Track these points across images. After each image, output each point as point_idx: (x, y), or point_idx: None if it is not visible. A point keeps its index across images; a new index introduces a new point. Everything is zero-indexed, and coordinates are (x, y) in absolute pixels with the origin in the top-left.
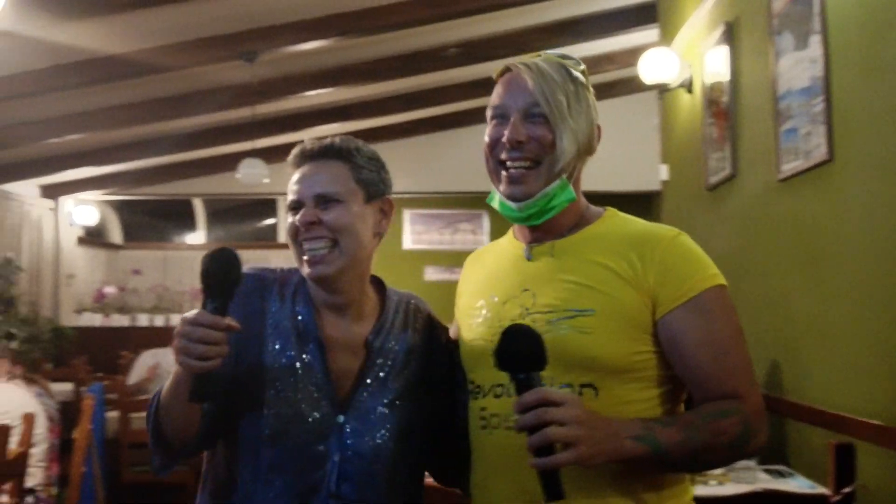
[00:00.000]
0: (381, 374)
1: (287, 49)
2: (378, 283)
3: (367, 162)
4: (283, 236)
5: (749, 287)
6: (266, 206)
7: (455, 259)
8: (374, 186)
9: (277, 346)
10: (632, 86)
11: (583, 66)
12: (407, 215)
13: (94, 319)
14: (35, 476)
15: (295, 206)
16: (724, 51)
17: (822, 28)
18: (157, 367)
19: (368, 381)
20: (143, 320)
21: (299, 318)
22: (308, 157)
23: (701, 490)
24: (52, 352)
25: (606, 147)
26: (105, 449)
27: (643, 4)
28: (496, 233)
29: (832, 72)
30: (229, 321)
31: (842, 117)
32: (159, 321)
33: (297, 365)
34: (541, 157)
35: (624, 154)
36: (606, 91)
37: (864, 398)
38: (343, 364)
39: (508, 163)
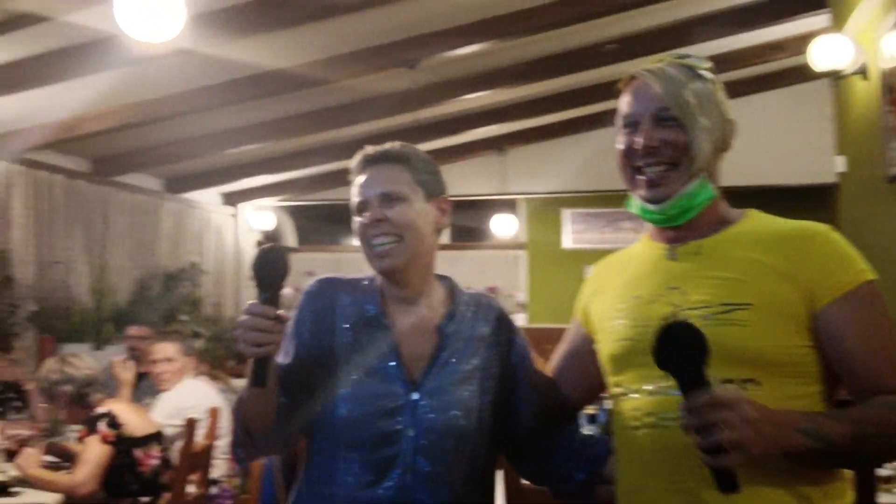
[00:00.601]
0: (453, 358)
1: (446, 54)
2: (447, 281)
3: (423, 164)
4: (444, 238)
5: None
6: None
7: None
8: (432, 186)
9: (349, 337)
10: (801, 74)
11: (709, 64)
12: (567, 214)
13: None
14: (219, 467)
15: (361, 208)
16: None
17: None
18: None
19: (440, 362)
20: None
21: (369, 310)
22: (370, 162)
23: (885, 499)
24: (234, 350)
25: (777, 140)
26: None
27: None
28: None
29: None
30: (281, 313)
31: None
32: None
33: (370, 352)
34: (677, 160)
35: (795, 146)
36: (775, 81)
37: None
38: (415, 349)
39: (644, 168)
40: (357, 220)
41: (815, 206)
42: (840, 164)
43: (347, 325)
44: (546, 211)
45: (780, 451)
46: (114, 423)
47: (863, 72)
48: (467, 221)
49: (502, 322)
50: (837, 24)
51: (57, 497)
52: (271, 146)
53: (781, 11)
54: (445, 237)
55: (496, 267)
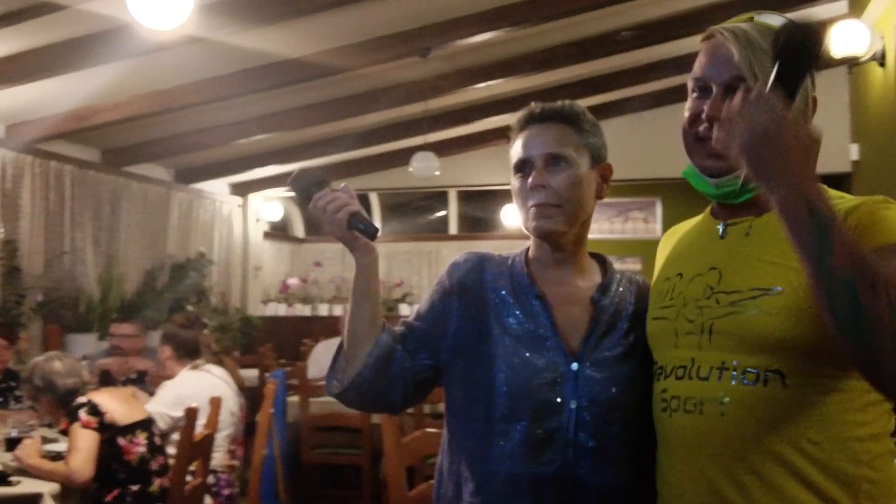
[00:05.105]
0: (611, 330)
1: (459, 43)
2: (600, 257)
3: (591, 127)
4: (453, 228)
5: None
6: (438, 198)
7: (627, 248)
8: (598, 151)
9: (500, 306)
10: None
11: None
12: None
13: (279, 309)
14: (218, 458)
15: (521, 167)
16: None
17: None
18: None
19: (598, 334)
20: (323, 310)
21: (517, 280)
22: (536, 119)
23: None
24: (240, 340)
25: None
26: (287, 432)
27: None
28: (669, 220)
29: None
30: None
31: None
32: (338, 311)
33: (523, 319)
34: None
35: None
36: None
37: None
38: (570, 317)
39: (707, 137)
40: (516, 179)
41: None
42: (854, 152)
43: (497, 296)
44: None
45: (767, 186)
46: (95, 410)
47: (880, 59)
48: (478, 212)
49: None
50: (855, 10)
51: (54, 486)
52: (281, 136)
53: None
54: (454, 227)
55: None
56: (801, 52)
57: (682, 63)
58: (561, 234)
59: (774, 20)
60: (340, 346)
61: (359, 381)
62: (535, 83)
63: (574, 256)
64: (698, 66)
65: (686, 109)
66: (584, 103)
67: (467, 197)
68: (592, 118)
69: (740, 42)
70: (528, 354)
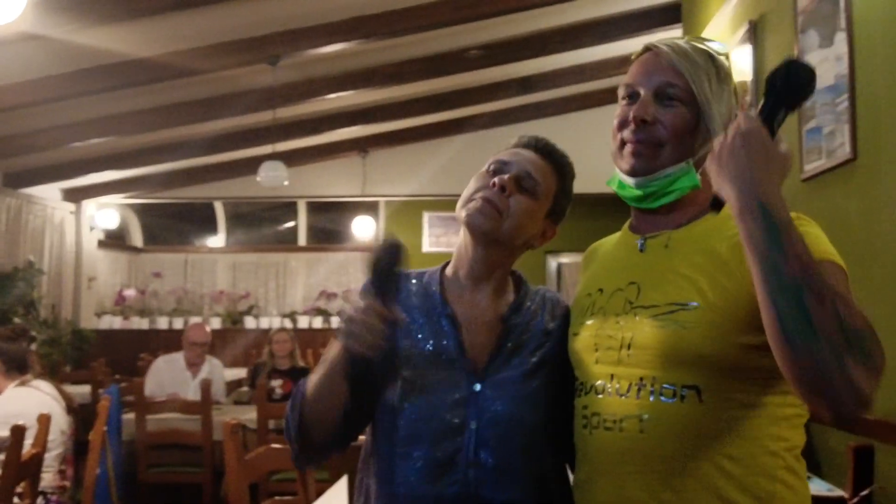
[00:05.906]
0: (518, 348)
1: (310, 52)
2: (517, 277)
3: (570, 189)
4: (302, 239)
5: None
6: (286, 208)
7: None
8: (560, 212)
9: (409, 325)
10: None
11: (726, 51)
12: (426, 218)
13: (114, 322)
14: (47, 478)
15: (496, 172)
16: (747, 49)
17: (847, 25)
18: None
19: (505, 353)
20: (162, 323)
21: (429, 298)
22: (533, 146)
23: None
24: (71, 354)
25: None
26: (122, 450)
27: (667, 5)
28: None
29: (857, 69)
30: (396, 313)
31: (866, 115)
32: (178, 324)
33: (431, 340)
34: (666, 142)
35: None
36: None
37: (885, 399)
38: (479, 338)
39: (628, 143)
40: (482, 175)
41: None
42: None
43: (408, 314)
44: (406, 214)
45: (724, 192)
46: None
47: None
48: (328, 223)
49: (569, 318)
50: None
51: None
52: (119, 141)
53: (637, 25)
54: (304, 238)
55: (356, 269)
56: (794, 91)
57: (527, 83)
58: (483, 241)
59: (708, 42)
60: (300, 405)
61: (329, 456)
62: (384, 96)
63: (493, 279)
64: (630, 75)
65: (615, 117)
66: (431, 119)
67: (317, 208)
68: (572, 186)
69: (675, 52)
70: (432, 376)
